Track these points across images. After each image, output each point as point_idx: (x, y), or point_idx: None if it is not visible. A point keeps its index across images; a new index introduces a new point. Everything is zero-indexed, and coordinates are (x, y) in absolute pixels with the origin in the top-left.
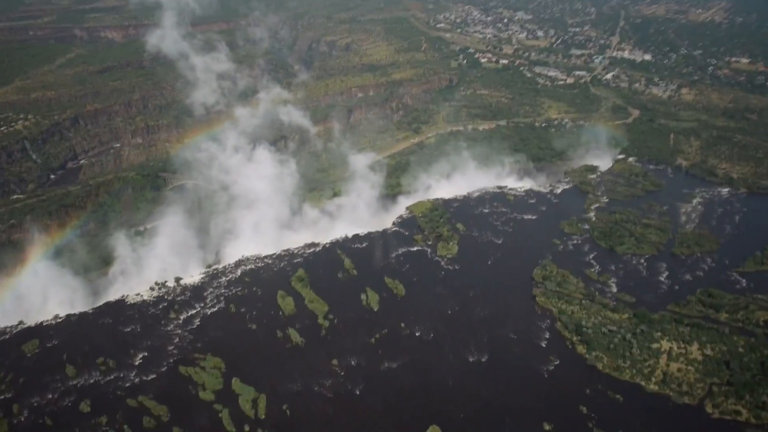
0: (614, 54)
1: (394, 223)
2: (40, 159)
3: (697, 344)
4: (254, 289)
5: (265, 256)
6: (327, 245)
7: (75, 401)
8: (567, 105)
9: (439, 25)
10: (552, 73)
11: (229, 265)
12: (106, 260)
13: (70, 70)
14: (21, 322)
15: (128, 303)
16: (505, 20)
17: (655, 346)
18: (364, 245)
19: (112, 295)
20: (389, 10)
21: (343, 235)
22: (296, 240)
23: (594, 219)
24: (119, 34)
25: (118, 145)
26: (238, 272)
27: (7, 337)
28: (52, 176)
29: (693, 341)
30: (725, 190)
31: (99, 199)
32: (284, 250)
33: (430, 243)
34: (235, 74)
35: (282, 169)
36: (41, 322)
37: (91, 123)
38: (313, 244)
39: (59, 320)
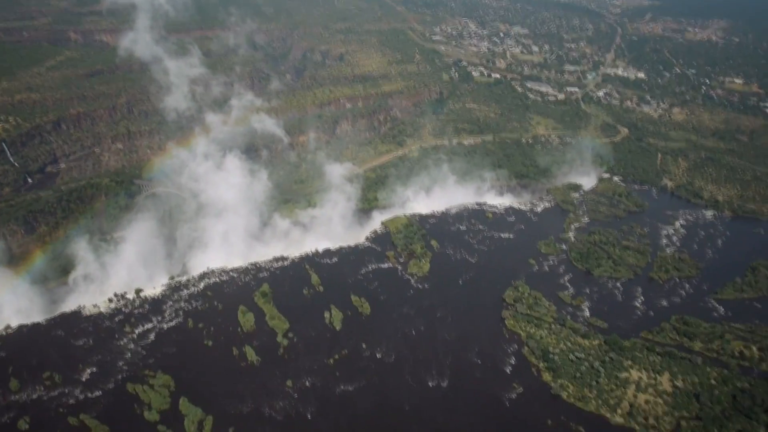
0: (608, 71)
1: (367, 239)
2: (17, 162)
3: (668, 374)
4: (215, 303)
5: (231, 269)
6: (296, 259)
7: (14, 418)
8: (555, 122)
9: (434, 38)
10: (543, 89)
11: (192, 277)
12: (67, 269)
13: (58, 72)
14: None
15: (84, 315)
16: (501, 34)
17: (623, 375)
18: (333, 261)
19: (69, 306)
20: (387, 22)
21: (314, 249)
22: (265, 253)
23: (573, 239)
24: (114, 37)
25: (98, 150)
26: (201, 285)
27: None
28: (30, 180)
29: (664, 371)
30: (710, 213)
31: (70, 206)
32: (251, 264)
33: (402, 260)
34: (221, 82)
35: (257, 179)
36: None
37: (73, 127)
38: (282, 258)
39: (10, 331)
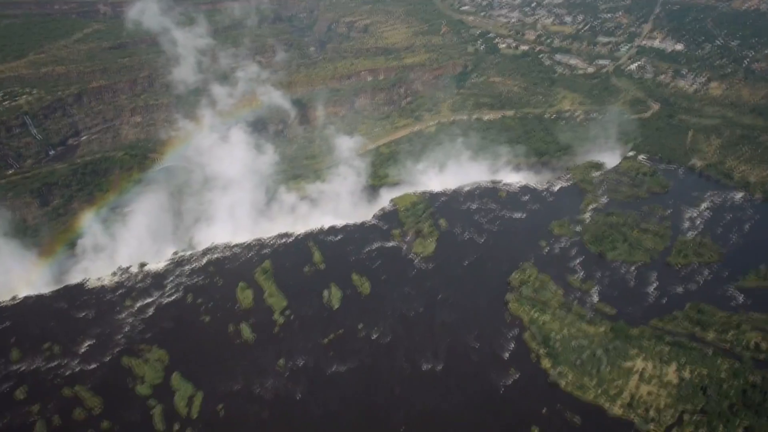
0: (643, 43)
1: (374, 216)
2: (40, 135)
3: (675, 365)
4: (216, 279)
5: (235, 245)
6: (300, 236)
7: (12, 387)
8: (582, 96)
9: (463, 8)
10: (573, 62)
11: (196, 252)
12: (76, 242)
13: (85, 45)
14: None
15: (87, 287)
16: (533, 4)
17: (627, 364)
18: (338, 238)
19: (74, 279)
20: None
21: (319, 226)
22: (270, 229)
23: (588, 221)
24: (135, 8)
25: (117, 122)
26: (204, 260)
27: None
28: (52, 152)
29: (671, 361)
30: (739, 195)
31: (85, 179)
32: (255, 239)
33: (407, 239)
34: (241, 55)
35: (267, 154)
36: None
37: (95, 100)
38: (287, 234)
39: (16, 301)
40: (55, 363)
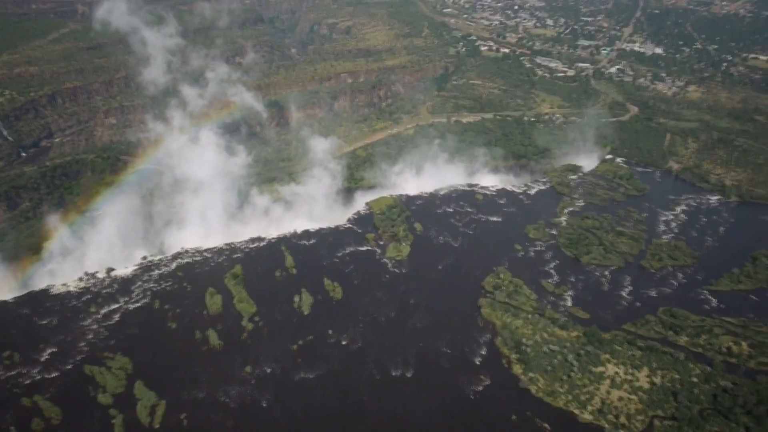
0: (624, 46)
1: (349, 220)
2: (11, 136)
3: (646, 370)
4: (184, 284)
5: (206, 249)
6: (273, 240)
7: None
8: (562, 99)
9: (446, 10)
10: (553, 65)
11: (166, 257)
12: (42, 246)
13: (60, 46)
14: None
15: (52, 293)
16: (516, 7)
17: (598, 369)
18: (311, 242)
19: (39, 284)
20: None
21: (292, 230)
22: (243, 233)
23: (564, 224)
24: (118, 8)
25: (91, 124)
26: (173, 265)
27: None
28: (23, 154)
29: (643, 366)
30: (714, 198)
31: (55, 182)
32: (227, 244)
33: (382, 243)
34: (219, 57)
35: (242, 157)
36: None
37: (69, 101)
38: (259, 239)
39: None
40: (15, 372)
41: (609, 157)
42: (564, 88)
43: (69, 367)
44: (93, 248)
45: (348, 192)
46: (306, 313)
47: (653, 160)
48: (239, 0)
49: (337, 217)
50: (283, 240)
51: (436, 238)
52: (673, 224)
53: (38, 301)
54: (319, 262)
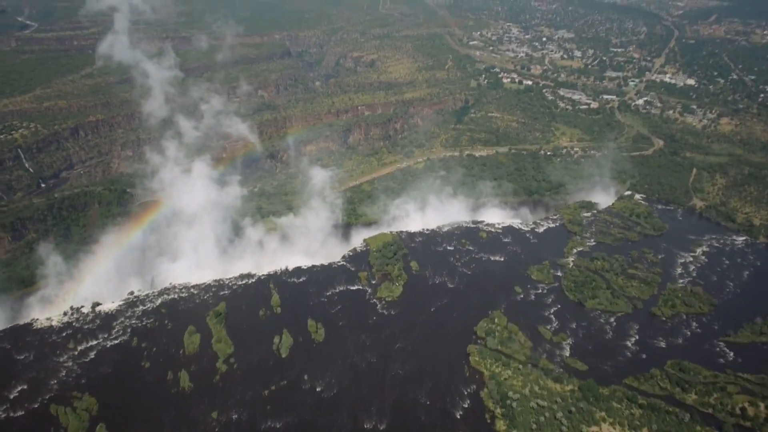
0: (653, 77)
1: (344, 257)
2: (32, 168)
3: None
4: (166, 321)
5: (194, 285)
6: (262, 277)
7: None
8: (582, 132)
9: (471, 43)
10: (576, 96)
11: (152, 292)
12: (35, 278)
13: (91, 80)
14: None
15: (34, 328)
16: (544, 39)
17: (591, 429)
18: (301, 279)
19: (25, 318)
20: (427, 27)
21: (284, 267)
22: (235, 268)
23: (571, 265)
24: (157, 46)
25: (108, 156)
26: (159, 301)
27: None
28: (43, 185)
29: (642, 427)
30: (741, 239)
31: (62, 213)
32: (215, 280)
33: (374, 282)
34: (243, 91)
35: (246, 191)
36: None
37: (91, 133)
38: (248, 275)
39: None
40: None
41: (628, 193)
42: (586, 120)
43: (36, 405)
44: (85, 282)
45: (347, 228)
46: (284, 355)
47: (676, 197)
48: (269, 35)
49: (333, 253)
50: (273, 277)
51: (431, 278)
52: (692, 267)
53: (19, 335)
54: (306, 302)
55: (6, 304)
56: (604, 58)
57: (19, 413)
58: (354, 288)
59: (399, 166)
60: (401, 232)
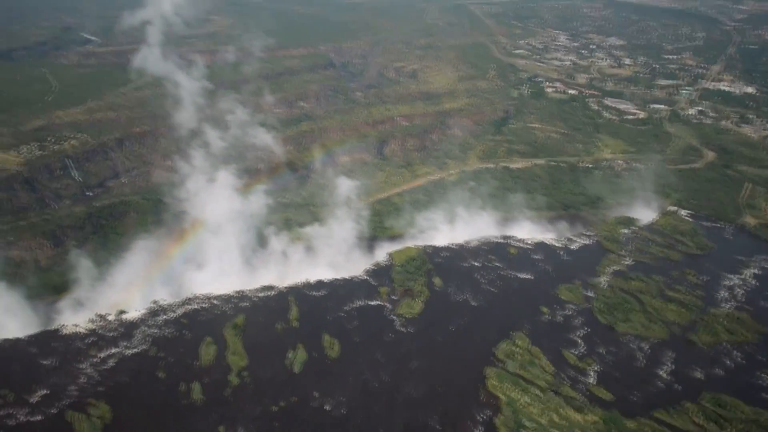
0: (708, 85)
1: (366, 271)
2: (80, 177)
3: None
4: (185, 332)
5: (216, 296)
6: (283, 290)
7: None
8: (627, 143)
9: (516, 51)
10: (623, 106)
11: (175, 302)
12: (66, 285)
13: (141, 92)
14: None
15: (61, 334)
16: (592, 46)
17: None
18: (321, 293)
19: (54, 323)
20: (472, 36)
21: (305, 280)
22: (257, 280)
23: (604, 285)
24: (205, 58)
25: (150, 166)
26: (180, 311)
27: None
28: (89, 194)
29: None
30: None
31: (101, 222)
32: (237, 291)
33: (395, 298)
34: (283, 101)
35: (278, 201)
36: None
37: (137, 144)
38: (270, 287)
39: None
40: (5, 412)
41: (672, 209)
42: (631, 131)
43: (54, 410)
44: (114, 289)
45: (372, 240)
46: (296, 371)
47: (725, 214)
48: (314, 47)
49: (356, 266)
50: (293, 290)
51: (454, 295)
52: (739, 291)
53: (47, 340)
54: (324, 316)
55: (39, 309)
56: (656, 66)
57: (38, 417)
58: (373, 303)
59: (431, 178)
60: (427, 246)
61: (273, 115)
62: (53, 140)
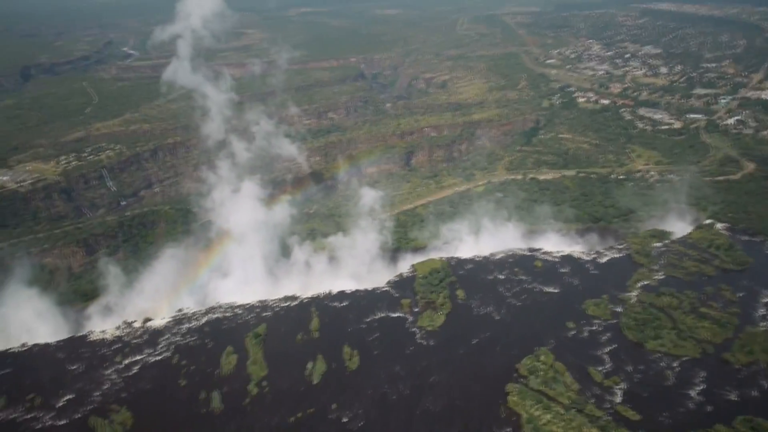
0: (749, 94)
1: (389, 282)
2: (115, 187)
3: None
4: (207, 341)
5: (239, 306)
6: (305, 300)
7: None
8: (661, 154)
9: (549, 61)
10: (658, 116)
11: (198, 311)
12: (96, 292)
13: (175, 105)
14: None
15: (89, 340)
16: (627, 55)
17: None
18: (343, 304)
19: (83, 330)
20: (503, 46)
21: (327, 291)
22: (280, 290)
23: (633, 300)
24: (238, 71)
25: (180, 177)
26: (203, 320)
27: None
28: (123, 202)
29: None
30: None
31: (132, 231)
32: (260, 301)
33: (417, 310)
34: (313, 112)
35: (304, 212)
36: (8, 349)
37: (169, 154)
38: (292, 297)
39: (23, 349)
40: (31, 415)
41: (708, 222)
42: (666, 142)
43: (78, 415)
44: (141, 297)
45: (396, 252)
46: (315, 382)
47: (765, 228)
48: (345, 58)
49: (379, 278)
50: (315, 300)
51: (477, 308)
52: None
53: (75, 346)
54: (345, 327)
55: (69, 315)
56: (693, 75)
57: (63, 422)
58: (395, 315)
59: (458, 189)
60: (451, 258)
61: (302, 126)
62: (90, 151)
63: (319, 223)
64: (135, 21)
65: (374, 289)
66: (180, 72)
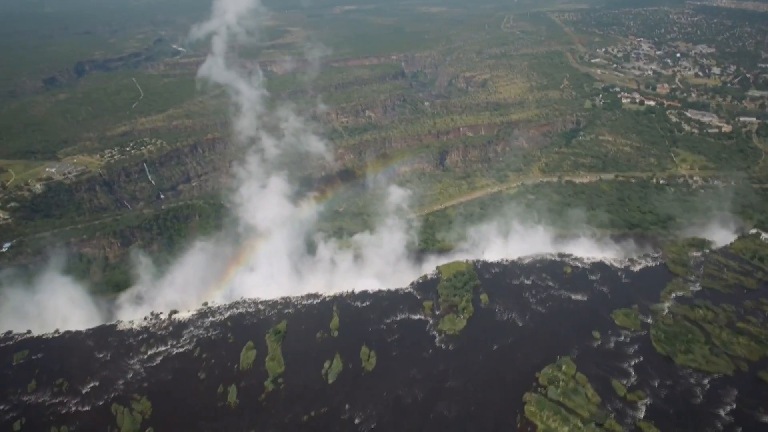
0: None
1: (412, 284)
2: (154, 180)
3: None
4: (229, 335)
5: (262, 301)
6: (327, 298)
7: (15, 417)
8: (708, 159)
9: (594, 60)
10: (706, 119)
11: (223, 305)
12: (128, 282)
13: (216, 101)
14: (28, 332)
15: (118, 329)
16: (678, 55)
17: None
18: (365, 304)
19: (112, 319)
20: (548, 44)
21: (350, 290)
22: (304, 287)
23: (665, 312)
24: (283, 68)
25: (217, 172)
26: (227, 314)
27: (11, 343)
28: (162, 196)
29: None
30: None
31: (167, 224)
32: (283, 298)
33: (438, 313)
34: (348, 110)
35: (334, 210)
36: (42, 335)
37: (208, 150)
38: (315, 295)
39: (56, 335)
40: (59, 400)
41: (753, 231)
42: (714, 146)
43: (101, 402)
44: (172, 288)
45: (422, 253)
46: (331, 381)
47: None
48: (386, 56)
49: (403, 278)
50: (338, 299)
51: (500, 314)
52: None
53: (104, 334)
54: (365, 328)
55: (101, 304)
56: (748, 75)
57: (87, 407)
58: (416, 317)
59: (490, 190)
60: (477, 261)
61: (339, 124)
62: (133, 145)
63: (347, 221)
64: (185, 18)
65: (397, 290)
66: (227, 68)
